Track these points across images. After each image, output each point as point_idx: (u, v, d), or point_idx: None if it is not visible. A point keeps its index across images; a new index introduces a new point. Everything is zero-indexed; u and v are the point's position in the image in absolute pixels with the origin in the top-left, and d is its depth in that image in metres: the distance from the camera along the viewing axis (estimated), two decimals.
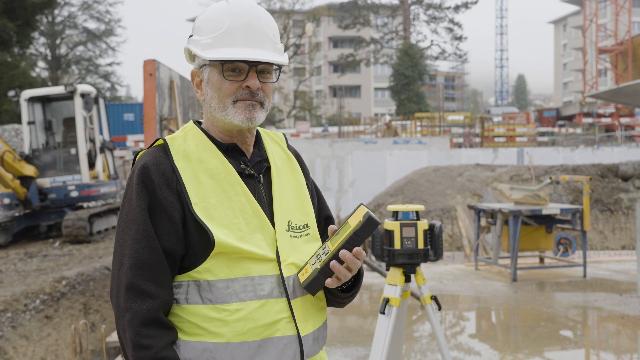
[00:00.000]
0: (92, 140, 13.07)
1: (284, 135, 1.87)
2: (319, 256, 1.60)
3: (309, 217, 1.74)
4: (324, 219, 1.84)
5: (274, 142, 1.81)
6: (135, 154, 1.70)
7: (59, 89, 13.23)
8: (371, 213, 1.56)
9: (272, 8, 37.04)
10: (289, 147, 1.84)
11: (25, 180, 12.51)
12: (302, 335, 1.61)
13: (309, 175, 1.85)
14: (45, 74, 38.75)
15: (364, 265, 9.60)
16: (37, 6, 23.69)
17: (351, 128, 27.28)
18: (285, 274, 1.61)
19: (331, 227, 1.66)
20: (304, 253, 1.67)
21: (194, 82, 1.71)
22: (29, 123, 13.01)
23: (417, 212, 3.60)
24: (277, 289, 1.59)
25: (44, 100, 13.43)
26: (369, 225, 1.55)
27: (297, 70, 46.34)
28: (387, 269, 3.65)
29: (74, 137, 12.90)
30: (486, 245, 10.65)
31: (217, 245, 1.54)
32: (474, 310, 7.56)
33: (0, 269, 9.87)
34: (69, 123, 13.17)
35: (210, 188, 1.59)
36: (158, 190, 1.57)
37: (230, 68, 1.62)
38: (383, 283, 3.79)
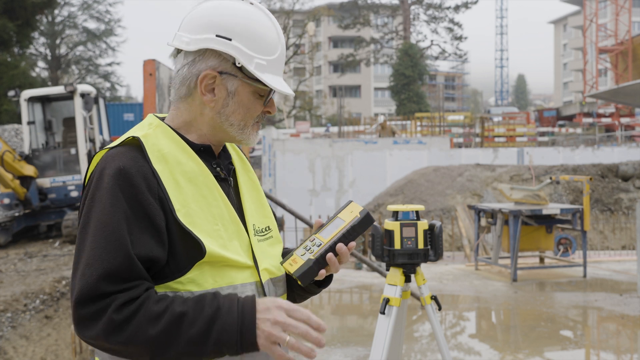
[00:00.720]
0: (92, 140, 13.06)
1: None
2: (308, 247, 1.58)
3: (270, 219, 1.69)
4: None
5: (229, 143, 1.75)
6: (104, 150, 1.52)
7: (59, 89, 13.22)
8: (366, 209, 1.57)
9: (272, 8, 37.02)
10: (238, 146, 1.79)
11: (25, 180, 12.51)
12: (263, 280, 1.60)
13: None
14: (45, 74, 38.76)
15: (364, 266, 9.59)
16: (37, 6, 23.69)
17: (351, 128, 27.29)
18: (263, 279, 1.57)
19: (318, 221, 1.66)
20: (272, 257, 1.62)
21: (202, 82, 1.54)
22: (29, 123, 13.01)
23: (417, 212, 3.60)
24: (258, 296, 1.54)
25: (44, 100, 13.43)
26: (366, 221, 1.56)
27: (297, 70, 46.34)
28: (387, 269, 3.65)
29: (74, 137, 12.89)
30: (486, 245, 10.65)
31: (207, 254, 1.45)
32: (474, 310, 7.56)
33: (0, 269, 9.87)
34: (69, 123, 13.17)
35: (190, 193, 1.49)
36: (140, 196, 1.42)
37: (264, 92, 1.58)
38: (383, 283, 3.79)
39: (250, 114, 1.58)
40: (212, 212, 1.51)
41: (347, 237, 1.57)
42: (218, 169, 1.60)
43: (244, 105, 1.57)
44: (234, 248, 1.53)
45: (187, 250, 1.46)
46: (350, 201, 1.62)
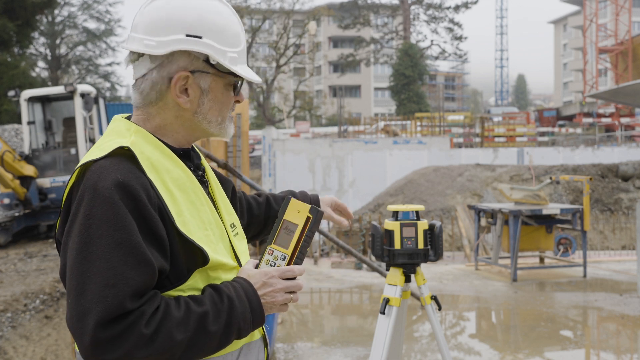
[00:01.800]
0: (92, 140, 13.05)
1: None
2: (271, 263, 1.51)
3: (234, 215, 1.67)
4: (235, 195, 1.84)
5: None
6: (89, 162, 1.42)
7: (59, 89, 13.22)
8: (314, 206, 1.52)
9: (272, 8, 37.03)
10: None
11: (25, 180, 12.51)
12: (266, 335, 1.66)
13: None
14: (45, 74, 38.75)
15: (364, 266, 9.59)
16: (37, 6, 23.68)
17: (351, 128, 27.28)
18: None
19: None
20: (244, 253, 1.63)
21: (176, 85, 1.49)
22: (29, 123, 13.01)
23: (417, 212, 3.60)
24: None
25: (44, 100, 13.43)
26: (319, 219, 1.51)
27: (297, 70, 46.35)
28: (387, 269, 3.65)
29: (74, 137, 12.89)
30: (486, 245, 10.64)
31: (211, 262, 1.45)
32: (474, 310, 7.56)
33: (0, 269, 9.87)
34: (69, 123, 13.17)
35: (182, 200, 1.47)
36: (143, 209, 1.38)
37: (235, 83, 1.57)
38: (383, 283, 3.79)
39: (225, 108, 1.57)
40: (202, 218, 1.50)
41: (308, 241, 1.52)
42: (200, 172, 1.59)
43: (218, 101, 1.55)
44: (222, 251, 1.53)
45: (187, 259, 1.45)
46: (290, 198, 1.53)
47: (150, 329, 1.33)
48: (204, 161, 1.69)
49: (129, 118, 1.57)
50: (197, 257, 1.45)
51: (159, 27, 1.48)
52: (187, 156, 1.58)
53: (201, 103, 1.52)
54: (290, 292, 1.50)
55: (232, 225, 1.64)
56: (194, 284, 1.46)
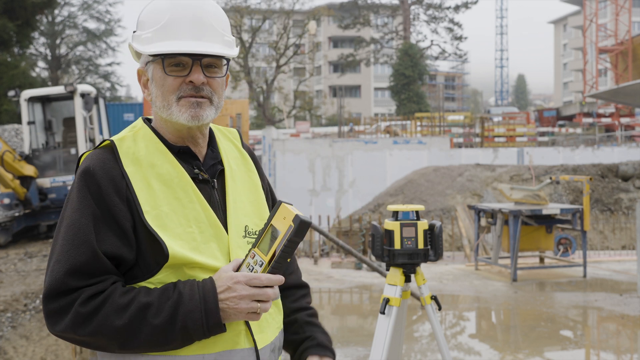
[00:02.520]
0: (92, 140, 13.05)
1: (238, 131, 1.77)
2: (250, 267, 1.45)
3: (249, 218, 1.62)
4: None
5: (228, 141, 1.71)
6: (81, 154, 1.55)
7: (59, 89, 13.22)
8: (301, 214, 1.40)
9: (272, 8, 37.02)
10: (243, 144, 1.74)
11: (25, 180, 12.51)
12: (259, 347, 1.54)
13: (264, 174, 1.76)
14: (45, 74, 38.75)
15: (364, 266, 9.59)
16: (37, 6, 23.68)
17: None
18: None
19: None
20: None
21: (140, 82, 1.60)
22: (29, 123, 13.01)
23: (417, 212, 3.60)
24: None
25: (44, 100, 13.43)
26: (302, 228, 1.39)
27: (297, 70, 46.33)
28: (387, 269, 3.65)
29: (74, 137, 12.89)
30: (486, 245, 10.65)
31: (171, 257, 1.44)
32: (474, 310, 7.56)
33: (0, 269, 9.87)
34: (69, 123, 13.17)
35: (162, 195, 1.48)
36: (106, 196, 1.45)
37: (172, 63, 1.51)
38: (383, 283, 3.79)
39: (166, 90, 1.52)
40: (187, 215, 1.50)
41: (286, 251, 1.41)
42: (197, 170, 1.56)
43: (159, 85, 1.54)
44: (210, 251, 1.50)
45: (153, 252, 1.46)
46: (281, 202, 1.45)
47: (86, 309, 1.39)
48: (237, 161, 1.67)
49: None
50: (163, 251, 1.45)
51: None
52: (189, 154, 1.58)
53: (152, 92, 1.57)
54: (259, 301, 1.41)
55: (246, 228, 1.60)
56: (164, 279, 1.46)
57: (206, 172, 1.58)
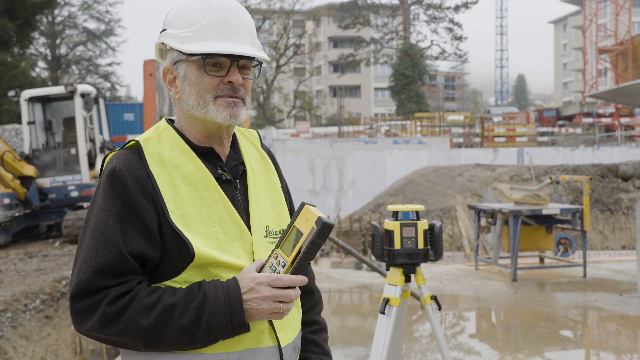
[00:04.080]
0: (92, 140, 13.06)
1: (258, 133, 1.79)
2: (273, 268, 1.47)
3: (285, 221, 1.67)
4: None
5: (248, 142, 1.73)
6: (106, 155, 1.59)
7: (59, 89, 13.23)
8: (324, 217, 1.42)
9: (272, 8, 37.01)
10: (262, 146, 1.77)
11: (25, 180, 12.51)
12: (282, 345, 1.56)
13: (282, 176, 1.78)
14: (45, 74, 38.73)
15: (364, 266, 9.59)
16: (37, 6, 23.68)
17: (351, 128, 27.28)
18: None
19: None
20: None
21: (165, 80, 1.61)
22: (29, 123, 13.01)
23: (417, 212, 3.60)
24: None
25: (44, 100, 13.43)
26: (325, 231, 1.42)
27: (297, 70, 46.31)
28: (387, 269, 3.65)
29: (74, 137, 12.89)
30: (486, 245, 10.65)
31: (196, 256, 1.46)
32: (474, 310, 7.56)
33: (0, 269, 9.87)
34: (69, 123, 13.17)
35: (187, 195, 1.50)
36: (132, 197, 1.47)
37: (211, 63, 1.53)
38: (383, 283, 3.79)
39: (203, 89, 1.54)
40: (210, 214, 1.51)
41: (309, 253, 1.43)
42: (220, 171, 1.58)
43: (194, 84, 1.55)
44: (234, 250, 1.52)
45: (180, 251, 1.48)
46: (304, 204, 1.47)
47: (113, 309, 1.41)
48: (258, 162, 1.69)
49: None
50: (190, 251, 1.47)
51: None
52: (213, 155, 1.60)
53: (183, 91, 1.57)
54: (281, 302, 1.44)
55: (282, 231, 1.62)
56: (189, 278, 1.48)
57: (229, 172, 1.61)
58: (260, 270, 1.48)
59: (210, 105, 1.54)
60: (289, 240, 1.46)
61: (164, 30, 1.60)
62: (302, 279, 1.44)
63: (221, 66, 1.54)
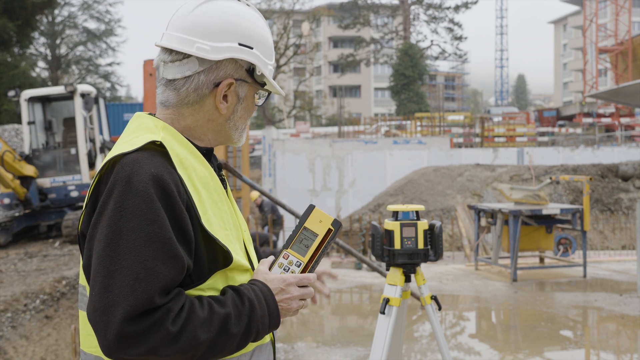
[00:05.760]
0: (92, 140, 13.06)
1: None
2: (285, 267, 1.52)
3: (241, 216, 1.69)
4: None
5: None
6: (119, 155, 1.40)
7: (59, 89, 13.23)
8: (337, 219, 1.53)
9: (272, 8, 37.02)
10: None
11: (25, 180, 12.51)
12: (275, 340, 1.67)
13: None
14: (45, 74, 38.76)
15: (364, 266, 9.59)
16: (37, 6, 23.69)
17: (351, 128, 27.27)
18: None
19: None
20: (254, 255, 1.64)
21: (221, 91, 1.52)
22: (29, 123, 13.01)
23: (417, 212, 3.60)
24: None
25: (44, 100, 13.43)
26: (338, 232, 1.53)
27: (297, 70, 46.34)
28: (387, 269, 3.65)
29: (74, 137, 12.89)
30: (486, 245, 10.65)
31: (234, 262, 1.47)
32: (474, 310, 7.56)
33: (0, 269, 9.87)
34: (69, 123, 13.17)
35: (207, 199, 1.47)
36: (174, 204, 1.37)
37: (263, 95, 1.63)
38: (383, 283, 3.79)
39: (249, 116, 1.62)
40: (222, 217, 1.51)
41: (324, 253, 1.54)
42: (221, 173, 1.61)
43: (248, 110, 1.60)
44: (239, 252, 1.54)
45: (209, 258, 1.45)
46: (313, 206, 1.53)
47: (176, 327, 1.32)
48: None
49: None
50: (218, 257, 1.46)
51: (214, 32, 1.51)
52: (210, 156, 1.60)
53: (235, 110, 1.57)
54: (302, 299, 1.54)
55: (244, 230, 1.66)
56: (214, 284, 1.47)
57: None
58: (269, 269, 1.55)
59: (244, 131, 1.62)
60: (300, 241, 1.53)
61: (247, 46, 1.53)
62: (315, 277, 1.55)
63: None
